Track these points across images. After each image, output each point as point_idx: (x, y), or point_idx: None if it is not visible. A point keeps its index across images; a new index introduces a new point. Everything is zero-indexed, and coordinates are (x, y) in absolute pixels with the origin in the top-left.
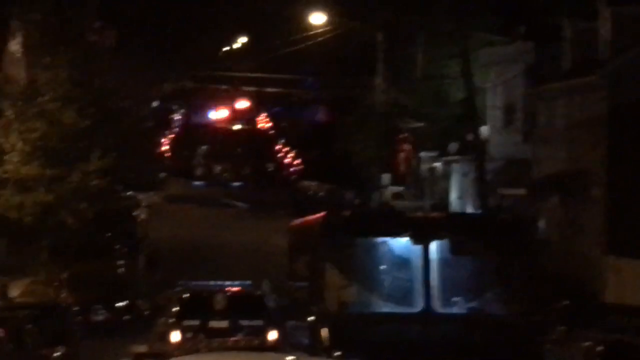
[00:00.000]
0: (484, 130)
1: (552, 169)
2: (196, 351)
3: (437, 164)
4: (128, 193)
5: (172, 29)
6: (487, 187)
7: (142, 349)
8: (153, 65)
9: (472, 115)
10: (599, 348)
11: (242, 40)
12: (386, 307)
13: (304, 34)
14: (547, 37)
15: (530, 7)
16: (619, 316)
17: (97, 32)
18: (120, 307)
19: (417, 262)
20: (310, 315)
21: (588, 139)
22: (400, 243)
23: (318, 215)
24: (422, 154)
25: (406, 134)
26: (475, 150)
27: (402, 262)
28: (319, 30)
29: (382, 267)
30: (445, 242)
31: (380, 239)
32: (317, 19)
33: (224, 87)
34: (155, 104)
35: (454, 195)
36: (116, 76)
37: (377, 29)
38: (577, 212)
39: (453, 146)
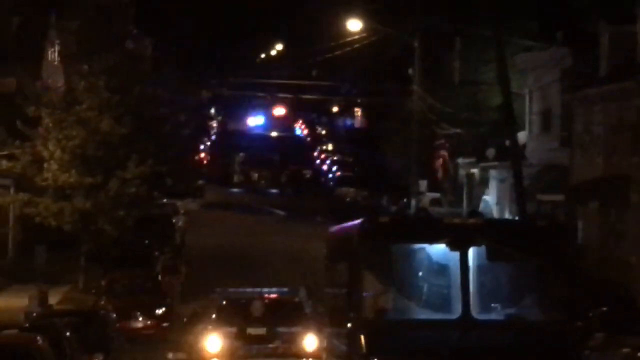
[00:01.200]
0: (522, 136)
1: (590, 174)
2: (234, 358)
3: (475, 170)
4: (166, 200)
5: (209, 36)
6: (524, 192)
7: (179, 356)
8: (190, 72)
9: (509, 121)
10: (639, 354)
11: (278, 47)
12: (424, 314)
13: (341, 41)
14: (584, 42)
15: (567, 12)
16: None
17: (135, 40)
18: (158, 314)
19: (455, 268)
20: (348, 322)
21: (626, 145)
22: (438, 249)
23: (356, 221)
24: (460, 160)
25: (443, 140)
26: (512, 156)
27: (440, 269)
28: (356, 37)
29: (420, 273)
30: (482, 248)
31: (417, 246)
32: (354, 25)
33: (261, 94)
34: (193, 111)
35: (491, 201)
36: (154, 84)
37: (413, 35)
38: (616, 218)
39: (490, 152)
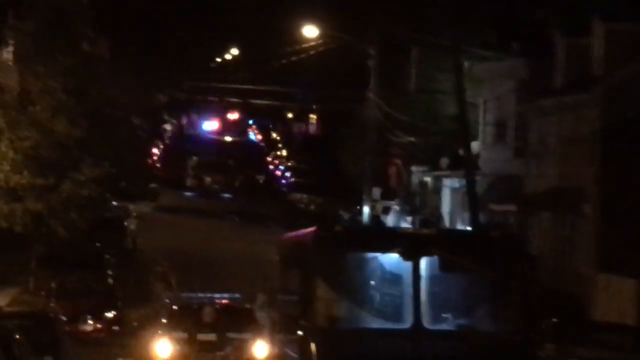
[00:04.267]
0: (476, 145)
1: (543, 185)
2: None
3: (428, 179)
4: (118, 203)
5: (165, 40)
6: (477, 202)
7: None
8: (146, 76)
9: (464, 131)
10: None
11: (234, 52)
12: (376, 323)
13: (297, 47)
14: (540, 53)
15: (523, 23)
16: (608, 334)
17: (91, 42)
18: (108, 317)
19: (407, 278)
20: (299, 330)
21: (580, 156)
22: (391, 259)
23: (309, 229)
24: (413, 169)
25: (397, 148)
26: (466, 166)
27: (393, 278)
28: (312, 44)
29: (373, 282)
30: (435, 258)
31: (370, 255)
32: (310, 31)
33: (216, 98)
34: (147, 114)
35: (444, 210)
36: (109, 86)
37: (370, 42)
38: (569, 229)
39: (444, 161)
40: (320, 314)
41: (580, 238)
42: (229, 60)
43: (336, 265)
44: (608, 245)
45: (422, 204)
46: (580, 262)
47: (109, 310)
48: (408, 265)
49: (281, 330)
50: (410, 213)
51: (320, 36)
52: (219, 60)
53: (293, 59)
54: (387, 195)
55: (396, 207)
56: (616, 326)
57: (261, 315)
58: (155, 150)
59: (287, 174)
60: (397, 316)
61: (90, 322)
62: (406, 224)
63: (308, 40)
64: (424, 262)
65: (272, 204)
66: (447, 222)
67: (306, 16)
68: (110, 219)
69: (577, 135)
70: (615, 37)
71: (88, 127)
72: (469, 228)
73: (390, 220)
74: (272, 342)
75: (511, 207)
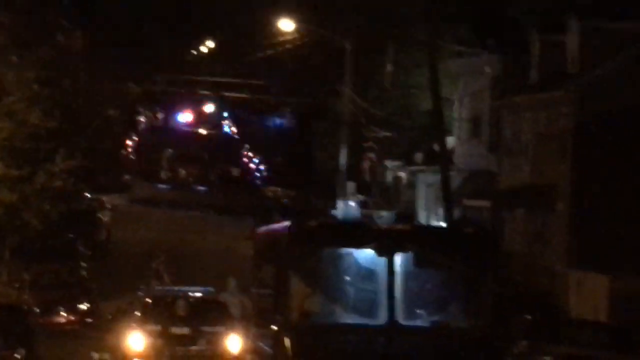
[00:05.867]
0: (450, 141)
1: (517, 181)
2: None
3: (402, 174)
4: (92, 195)
5: (141, 32)
6: (452, 197)
7: (105, 356)
8: (120, 67)
9: (439, 126)
10: None
11: (209, 44)
12: (350, 319)
13: (273, 41)
14: (515, 50)
15: (499, 20)
16: (582, 331)
17: (66, 33)
18: (82, 310)
19: (382, 274)
20: (273, 324)
21: (554, 153)
22: (366, 254)
23: (284, 224)
24: (388, 163)
25: (371, 143)
26: (441, 161)
27: (367, 274)
28: (289, 38)
29: (347, 278)
30: (410, 254)
31: (345, 250)
32: (286, 25)
33: (191, 91)
34: (122, 106)
35: (419, 205)
36: (84, 78)
37: (345, 37)
38: (542, 225)
39: (418, 156)
40: (294, 309)
41: (553, 234)
42: (204, 53)
43: (310, 260)
44: (581, 241)
45: (396, 198)
46: (553, 258)
47: (82, 303)
48: (383, 260)
49: (255, 324)
50: (384, 208)
51: (297, 30)
52: (194, 52)
53: (269, 52)
54: (362, 189)
55: (352, 203)
56: (589, 323)
57: (232, 301)
58: (129, 142)
59: (262, 168)
60: (372, 312)
61: (64, 314)
62: (379, 219)
63: (284, 34)
64: (398, 258)
65: (246, 197)
66: (421, 217)
67: (282, 9)
68: (83, 211)
69: (551, 132)
70: (590, 34)
71: (62, 118)
72: (443, 223)
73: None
74: (246, 336)
75: (485, 203)
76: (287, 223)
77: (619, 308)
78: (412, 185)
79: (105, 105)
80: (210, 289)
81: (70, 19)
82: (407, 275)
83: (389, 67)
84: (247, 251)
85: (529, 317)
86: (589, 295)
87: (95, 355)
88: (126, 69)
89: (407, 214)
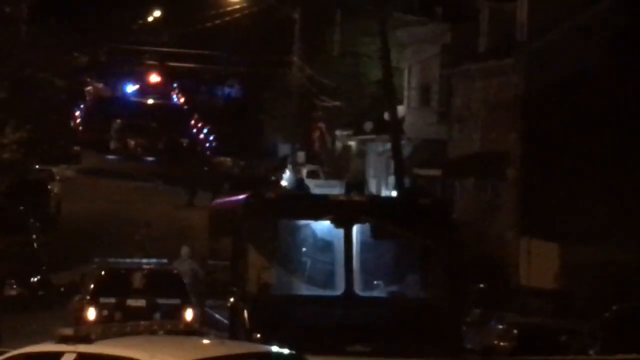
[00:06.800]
0: (400, 110)
1: (467, 150)
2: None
3: (352, 143)
4: (41, 166)
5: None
6: (402, 166)
7: (67, 331)
8: (66, 37)
9: (388, 95)
10: (514, 331)
11: (156, 13)
12: (308, 290)
13: (221, 10)
14: (464, 18)
15: None
16: (532, 298)
17: (10, 3)
18: (34, 282)
19: (339, 245)
20: (231, 296)
21: (503, 121)
22: (323, 226)
23: (241, 196)
24: (338, 133)
25: (320, 112)
26: (391, 130)
27: (325, 245)
28: (236, 7)
29: (305, 249)
30: (366, 225)
31: (302, 222)
32: None
33: (138, 61)
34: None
35: (369, 174)
36: (31, 48)
37: (293, 6)
38: (493, 193)
39: (368, 125)
40: (252, 280)
41: (503, 203)
42: (151, 22)
43: (268, 232)
44: (530, 209)
45: (346, 168)
46: (503, 226)
47: (34, 275)
48: (340, 232)
49: (213, 296)
50: (334, 177)
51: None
52: (141, 22)
53: (217, 22)
54: (312, 159)
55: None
56: (540, 291)
57: (184, 269)
58: (77, 113)
59: (211, 137)
60: (329, 283)
61: (15, 287)
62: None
63: (232, 3)
64: (355, 230)
65: (196, 167)
66: (371, 186)
67: None
68: (32, 182)
69: (501, 100)
70: (539, 3)
71: (10, 89)
72: (394, 193)
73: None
74: (202, 307)
75: (436, 172)
76: (244, 195)
77: (568, 275)
78: (362, 154)
79: (52, 76)
80: (164, 260)
81: None
82: (364, 246)
83: (337, 36)
84: (198, 221)
85: (481, 285)
86: (539, 263)
87: (59, 331)
88: (72, 38)
89: (357, 184)
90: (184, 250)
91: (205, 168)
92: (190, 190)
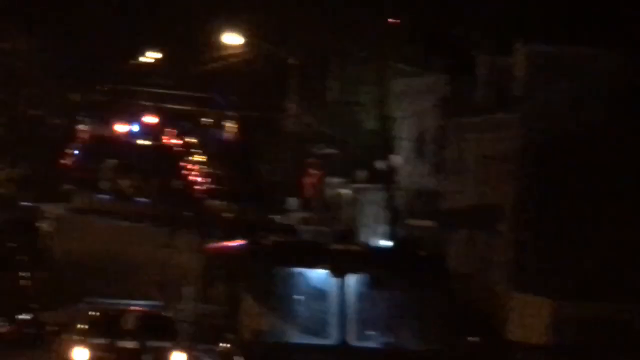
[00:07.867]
0: (394, 159)
1: (461, 202)
2: None
3: (345, 191)
4: (28, 203)
5: (84, 40)
6: (396, 216)
7: None
8: (64, 75)
9: (384, 144)
10: None
11: (153, 55)
12: (302, 338)
13: (219, 54)
14: (461, 71)
15: (446, 40)
16: (524, 353)
17: (10, 38)
18: (22, 320)
19: (334, 294)
20: (224, 341)
21: (498, 175)
22: (319, 274)
23: (237, 242)
24: (330, 180)
25: (314, 159)
26: (385, 179)
27: (320, 294)
28: (235, 51)
29: (300, 297)
30: (362, 275)
31: (299, 270)
32: (231, 39)
33: (133, 101)
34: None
35: (361, 223)
36: (26, 85)
37: (291, 52)
38: (485, 246)
39: (362, 174)
40: (246, 326)
41: (496, 256)
42: (148, 64)
43: (264, 278)
44: (523, 264)
45: (337, 216)
46: (495, 280)
47: (22, 313)
48: (335, 281)
49: (205, 341)
50: (325, 225)
51: (243, 44)
52: (138, 62)
53: (214, 65)
54: (304, 206)
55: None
56: (532, 346)
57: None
58: (69, 152)
59: (204, 180)
60: (324, 332)
61: (3, 323)
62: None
63: (230, 47)
64: (351, 279)
65: (188, 210)
66: (363, 235)
67: (229, 24)
68: (22, 219)
69: (496, 154)
70: (537, 59)
71: (6, 126)
72: (387, 242)
73: None
74: (193, 352)
75: (429, 223)
76: (241, 241)
77: (561, 331)
78: (354, 202)
79: (47, 113)
80: (156, 302)
81: (15, 25)
82: (360, 296)
83: (334, 84)
84: (189, 265)
85: (475, 339)
86: (530, 318)
87: None
88: (69, 77)
89: (347, 232)
90: (187, 291)
91: (197, 211)
92: (170, 230)
